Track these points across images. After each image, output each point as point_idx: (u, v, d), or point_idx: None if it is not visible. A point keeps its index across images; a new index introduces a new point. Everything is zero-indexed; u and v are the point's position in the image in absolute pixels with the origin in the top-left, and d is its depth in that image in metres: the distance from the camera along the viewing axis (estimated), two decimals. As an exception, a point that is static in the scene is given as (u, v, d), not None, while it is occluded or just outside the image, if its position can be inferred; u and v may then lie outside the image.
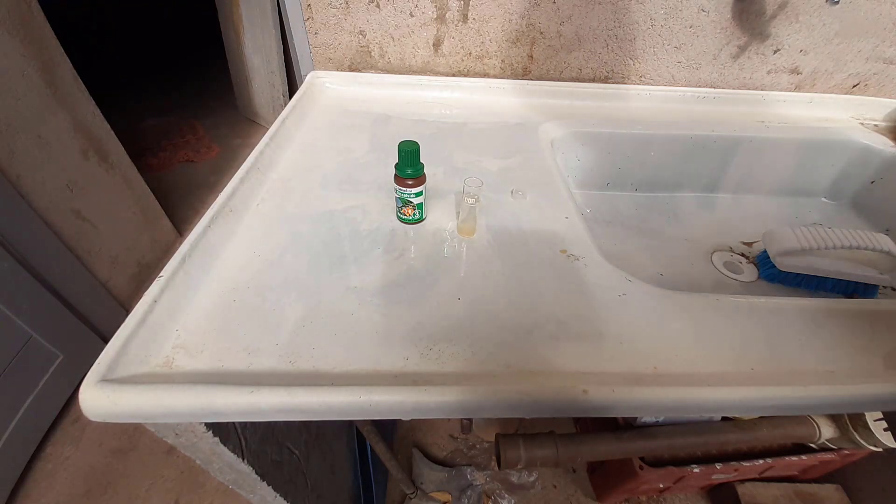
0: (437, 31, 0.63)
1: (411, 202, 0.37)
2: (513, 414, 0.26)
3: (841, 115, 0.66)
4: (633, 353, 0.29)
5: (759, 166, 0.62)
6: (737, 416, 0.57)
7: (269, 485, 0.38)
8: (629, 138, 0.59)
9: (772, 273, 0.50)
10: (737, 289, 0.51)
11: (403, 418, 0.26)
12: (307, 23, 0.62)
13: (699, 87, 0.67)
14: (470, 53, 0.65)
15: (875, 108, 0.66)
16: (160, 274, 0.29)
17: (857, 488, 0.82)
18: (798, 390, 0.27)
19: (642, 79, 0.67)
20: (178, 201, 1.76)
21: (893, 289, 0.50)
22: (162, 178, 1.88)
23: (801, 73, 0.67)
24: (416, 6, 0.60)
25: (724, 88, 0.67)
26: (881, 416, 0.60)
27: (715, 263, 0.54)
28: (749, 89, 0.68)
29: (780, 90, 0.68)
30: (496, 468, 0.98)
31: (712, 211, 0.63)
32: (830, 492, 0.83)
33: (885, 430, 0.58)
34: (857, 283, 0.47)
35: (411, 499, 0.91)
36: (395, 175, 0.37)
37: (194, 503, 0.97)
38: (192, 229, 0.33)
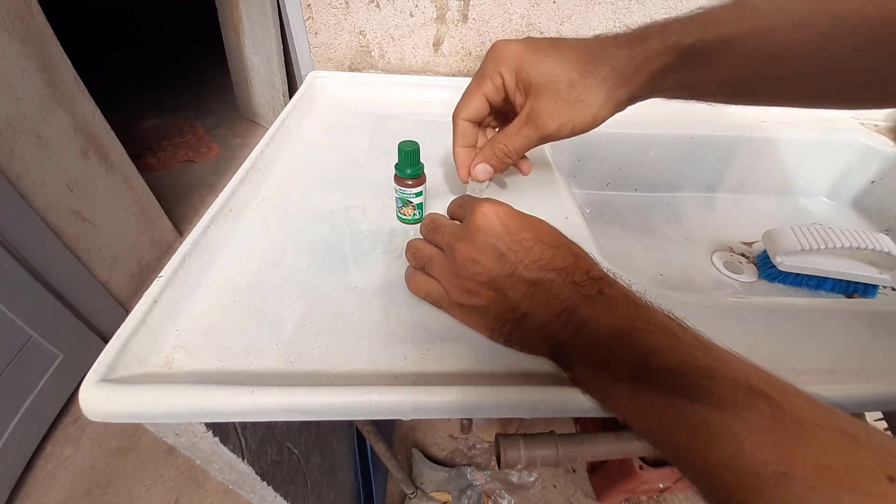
0: (437, 31, 0.63)
1: (411, 202, 0.37)
2: (513, 414, 0.26)
3: (841, 115, 0.65)
4: (633, 353, 0.29)
5: (759, 166, 0.62)
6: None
7: (269, 485, 0.38)
8: (629, 138, 0.59)
9: (772, 273, 0.50)
10: (737, 289, 0.51)
11: (403, 418, 0.26)
12: (307, 23, 0.62)
13: (699, 87, 0.67)
14: (470, 53, 0.65)
15: (875, 108, 0.66)
16: (160, 274, 0.29)
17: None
18: (798, 390, 0.27)
19: (642, 79, 0.67)
20: (178, 201, 1.77)
21: (893, 289, 0.50)
22: (162, 178, 1.88)
23: (801, 73, 0.66)
24: (416, 6, 0.60)
25: (724, 88, 0.67)
26: (881, 415, 0.59)
27: (715, 263, 0.54)
28: (749, 89, 0.68)
29: (780, 90, 0.68)
30: (496, 468, 0.98)
31: (712, 211, 0.63)
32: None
33: (886, 430, 0.58)
34: (857, 283, 0.48)
35: (411, 499, 0.91)
36: (395, 175, 0.37)
37: (194, 503, 0.97)
38: (192, 229, 0.33)
